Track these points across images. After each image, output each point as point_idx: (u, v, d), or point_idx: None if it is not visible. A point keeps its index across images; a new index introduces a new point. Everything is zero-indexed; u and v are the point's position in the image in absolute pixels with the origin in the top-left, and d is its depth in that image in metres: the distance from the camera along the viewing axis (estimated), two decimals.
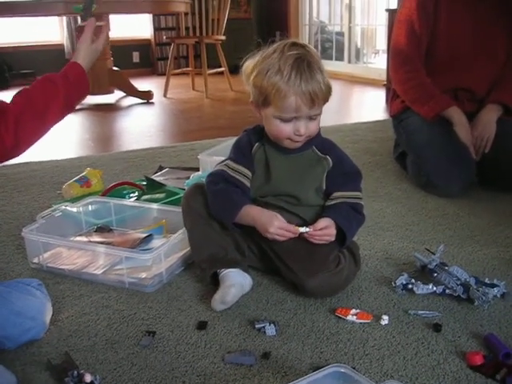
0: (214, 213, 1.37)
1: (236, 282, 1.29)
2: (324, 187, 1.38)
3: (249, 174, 1.37)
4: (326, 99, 1.27)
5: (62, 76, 1.33)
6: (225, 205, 1.34)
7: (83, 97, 1.39)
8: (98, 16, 1.54)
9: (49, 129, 1.30)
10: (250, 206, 1.32)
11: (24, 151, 1.27)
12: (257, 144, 1.38)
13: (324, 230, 1.29)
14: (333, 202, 1.37)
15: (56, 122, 1.31)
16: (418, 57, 2.16)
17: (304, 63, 1.23)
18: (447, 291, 1.30)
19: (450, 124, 2.09)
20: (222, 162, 1.41)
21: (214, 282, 1.34)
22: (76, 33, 1.57)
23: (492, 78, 2.16)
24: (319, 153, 1.37)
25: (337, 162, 1.37)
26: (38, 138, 1.28)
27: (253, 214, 1.31)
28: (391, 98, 2.40)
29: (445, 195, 2.02)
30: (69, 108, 1.34)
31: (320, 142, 1.38)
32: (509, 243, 1.63)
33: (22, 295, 1.16)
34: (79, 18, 1.54)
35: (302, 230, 1.28)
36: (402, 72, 2.19)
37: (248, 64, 1.32)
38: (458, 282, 1.29)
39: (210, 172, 1.43)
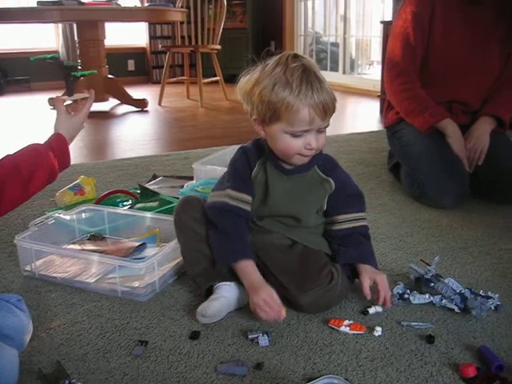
0: (212, 249, 1.33)
1: (223, 295, 1.27)
2: (325, 208, 1.36)
3: (250, 199, 1.33)
4: (334, 110, 1.25)
5: (48, 148, 1.34)
6: (223, 251, 1.31)
7: (64, 168, 1.40)
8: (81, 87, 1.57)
9: (29, 197, 1.30)
10: (245, 262, 1.28)
11: (1, 214, 1.25)
12: (257, 165, 1.34)
13: (381, 286, 1.29)
14: (341, 227, 1.35)
15: (37, 191, 1.32)
16: (413, 69, 2.17)
17: (312, 74, 1.20)
18: (444, 301, 1.30)
19: (444, 136, 2.10)
20: (221, 187, 1.35)
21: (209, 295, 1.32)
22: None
23: (486, 91, 2.17)
24: (322, 174, 1.33)
25: (340, 185, 1.34)
26: (17, 205, 1.27)
27: (244, 274, 1.27)
28: (386, 108, 2.41)
29: (438, 207, 2.03)
30: (51, 179, 1.35)
31: (322, 161, 1.34)
32: (502, 255, 1.64)
33: (0, 312, 1.10)
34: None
35: (372, 311, 1.29)
36: (396, 84, 2.20)
37: (246, 81, 1.28)
38: (455, 293, 1.30)
39: (210, 202, 1.35)
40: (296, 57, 1.23)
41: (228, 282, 1.31)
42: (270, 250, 1.34)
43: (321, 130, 1.24)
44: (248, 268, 1.28)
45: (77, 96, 1.49)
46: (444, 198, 2.01)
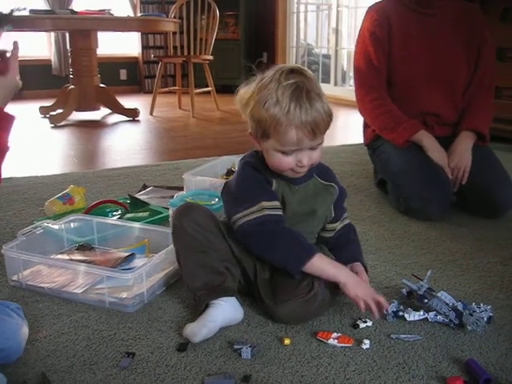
0: (272, 258, 1.29)
1: (214, 319, 1.23)
2: (333, 215, 1.41)
3: (279, 204, 1.31)
4: (327, 127, 1.23)
5: None
6: (291, 250, 1.27)
7: (10, 131, 1.31)
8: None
9: None
10: (319, 256, 1.27)
11: None
12: (275, 181, 1.30)
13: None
14: (335, 232, 1.44)
15: None
16: (380, 85, 2.18)
17: (303, 92, 1.17)
18: (439, 317, 1.30)
19: (422, 148, 2.10)
20: (249, 204, 1.27)
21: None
22: None
23: (458, 99, 2.18)
24: (323, 181, 1.36)
25: (340, 190, 1.41)
26: None
27: (325, 267, 1.27)
28: (364, 126, 2.42)
29: (425, 218, 2.03)
30: (3, 151, 1.29)
31: (320, 170, 1.36)
32: (490, 268, 1.64)
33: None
34: None
35: (362, 325, 1.30)
36: (367, 101, 2.21)
37: (243, 92, 1.27)
38: (449, 308, 1.29)
39: (249, 221, 1.27)
40: (292, 72, 1.20)
41: (225, 298, 1.27)
42: (256, 261, 1.34)
43: (314, 147, 1.24)
44: (322, 263, 1.28)
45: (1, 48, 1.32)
46: (429, 208, 2.01)
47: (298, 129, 1.18)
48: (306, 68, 1.27)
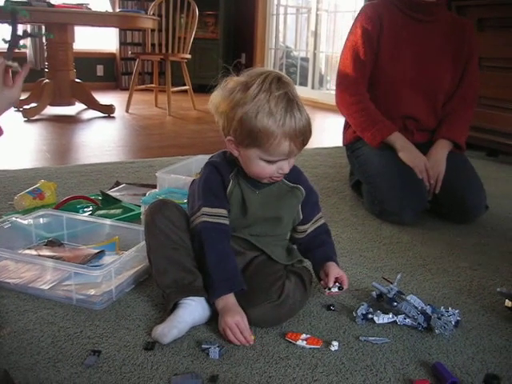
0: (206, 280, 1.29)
1: (184, 319, 1.22)
2: (301, 217, 1.39)
3: (226, 213, 1.30)
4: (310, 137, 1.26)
5: None
6: (209, 282, 1.26)
7: None
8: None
9: None
10: (226, 297, 1.23)
11: None
12: (231, 182, 1.30)
13: (344, 282, 1.36)
14: (306, 233, 1.42)
15: None
16: (362, 81, 2.19)
17: (294, 103, 1.18)
18: (407, 320, 1.30)
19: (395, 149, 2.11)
20: (195, 209, 1.30)
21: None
22: None
23: (436, 109, 2.21)
24: (289, 183, 1.35)
25: (308, 191, 1.38)
26: None
27: (222, 305, 1.22)
28: (344, 127, 2.43)
29: (399, 223, 2.05)
30: None
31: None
32: (459, 272, 1.66)
33: None
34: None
35: (334, 290, 1.33)
36: (347, 95, 2.21)
37: (222, 97, 1.23)
38: (418, 311, 1.30)
39: (192, 228, 1.30)
40: (279, 81, 1.19)
41: (194, 298, 1.25)
42: None
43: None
44: (221, 302, 1.23)
45: (15, 63, 1.36)
46: (404, 214, 2.03)
47: (292, 141, 1.19)
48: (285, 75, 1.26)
